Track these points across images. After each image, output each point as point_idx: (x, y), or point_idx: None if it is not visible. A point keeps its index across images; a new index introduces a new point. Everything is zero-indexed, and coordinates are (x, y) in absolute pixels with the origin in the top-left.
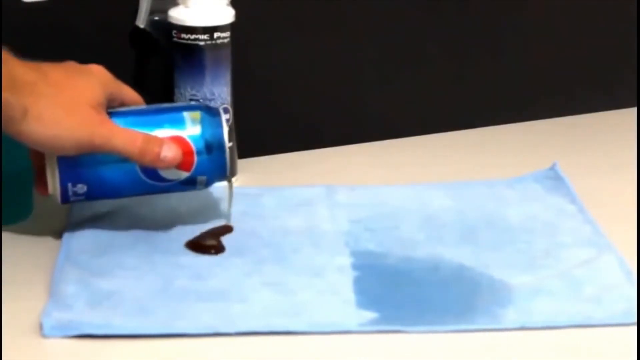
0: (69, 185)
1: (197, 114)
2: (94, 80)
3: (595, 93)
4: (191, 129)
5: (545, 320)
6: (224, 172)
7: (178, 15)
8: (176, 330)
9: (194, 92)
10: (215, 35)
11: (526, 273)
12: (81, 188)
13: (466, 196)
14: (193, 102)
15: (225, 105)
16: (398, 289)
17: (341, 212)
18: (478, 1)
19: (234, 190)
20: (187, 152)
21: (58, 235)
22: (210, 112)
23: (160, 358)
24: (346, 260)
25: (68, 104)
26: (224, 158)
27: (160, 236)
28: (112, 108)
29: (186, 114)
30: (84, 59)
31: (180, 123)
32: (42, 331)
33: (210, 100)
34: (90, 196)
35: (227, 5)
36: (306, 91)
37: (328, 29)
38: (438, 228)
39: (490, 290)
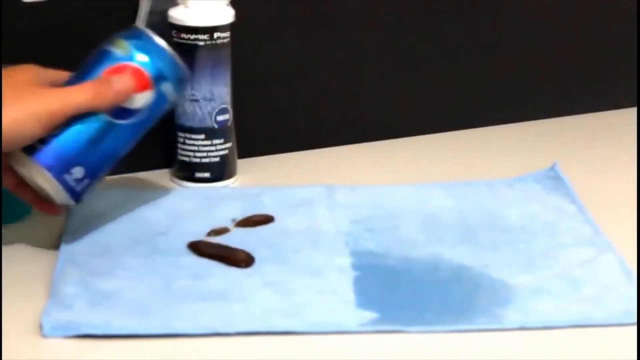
0: (66, 176)
1: (121, 41)
2: (26, 70)
3: (595, 93)
4: (122, 52)
5: (545, 320)
6: (178, 67)
7: (178, 15)
8: (176, 331)
9: (193, 92)
10: (215, 35)
11: (526, 273)
12: (78, 171)
13: (466, 196)
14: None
15: (225, 106)
16: (398, 289)
17: (341, 212)
18: (478, 0)
19: (235, 191)
20: (134, 72)
21: (58, 235)
22: (132, 32)
23: (160, 358)
24: (346, 260)
25: (13, 87)
26: (167, 54)
27: (160, 236)
28: None
29: (112, 48)
30: (83, 59)
31: (112, 57)
32: (42, 331)
33: (210, 100)
34: (91, 175)
35: (227, 5)
36: (306, 91)
37: (328, 29)
38: (438, 228)
39: (490, 290)
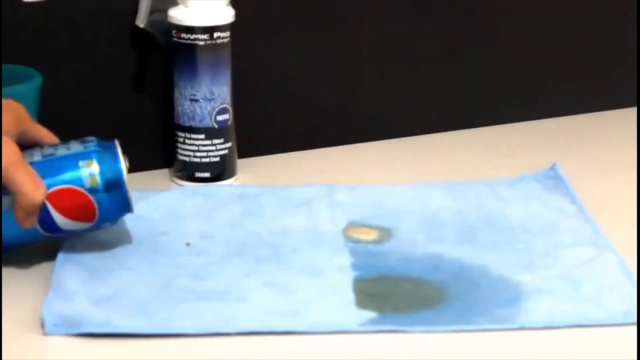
0: None
1: (91, 162)
2: (7, 114)
3: (595, 93)
4: (88, 179)
5: (545, 320)
6: (128, 208)
7: (178, 15)
8: (177, 330)
9: (193, 92)
10: (215, 35)
11: (526, 273)
12: None
13: (466, 196)
14: (89, 144)
15: (225, 105)
16: (398, 289)
17: (341, 212)
18: (478, 0)
19: (235, 191)
20: (86, 204)
21: None
22: (105, 151)
23: (161, 358)
24: (346, 260)
25: None
26: (123, 193)
27: (161, 236)
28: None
29: (82, 163)
30: (83, 59)
31: (77, 177)
32: (44, 329)
33: (210, 100)
34: None
35: (227, 5)
36: (306, 91)
37: (328, 29)
38: (438, 228)
39: (490, 290)
